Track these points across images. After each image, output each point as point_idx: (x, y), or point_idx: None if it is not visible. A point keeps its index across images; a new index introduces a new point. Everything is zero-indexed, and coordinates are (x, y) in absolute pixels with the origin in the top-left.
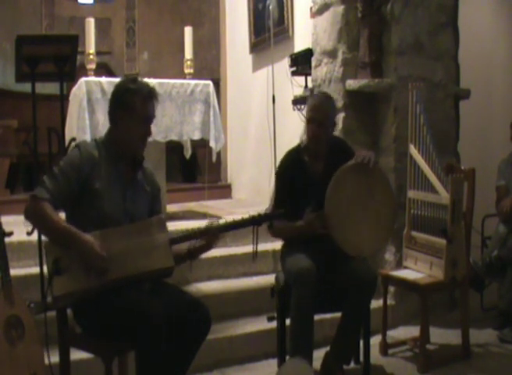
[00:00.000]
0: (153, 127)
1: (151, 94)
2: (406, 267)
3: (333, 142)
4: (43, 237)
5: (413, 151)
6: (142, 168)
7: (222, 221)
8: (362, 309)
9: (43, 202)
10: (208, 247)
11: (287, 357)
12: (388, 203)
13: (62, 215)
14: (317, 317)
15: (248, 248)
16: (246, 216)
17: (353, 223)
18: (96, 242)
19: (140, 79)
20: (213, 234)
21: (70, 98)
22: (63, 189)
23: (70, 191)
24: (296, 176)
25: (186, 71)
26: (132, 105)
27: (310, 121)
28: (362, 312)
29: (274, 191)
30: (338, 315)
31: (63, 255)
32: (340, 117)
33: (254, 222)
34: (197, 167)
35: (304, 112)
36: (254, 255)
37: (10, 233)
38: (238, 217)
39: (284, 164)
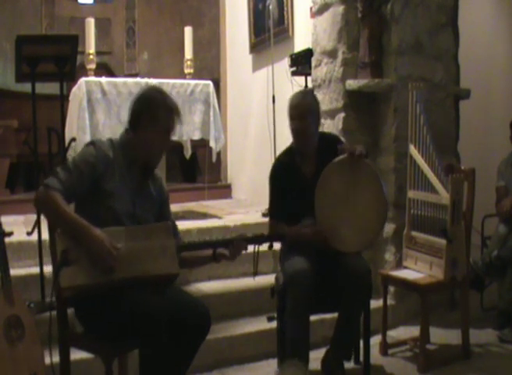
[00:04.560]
0: None
1: (177, 111)
2: (406, 267)
3: (323, 139)
4: (43, 237)
5: (413, 151)
6: (152, 175)
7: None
8: (357, 306)
9: (54, 192)
10: (232, 257)
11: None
12: (377, 198)
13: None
14: (317, 317)
15: (248, 248)
16: (249, 234)
17: (342, 219)
18: (107, 239)
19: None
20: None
21: (70, 98)
22: (75, 183)
23: (82, 186)
24: (289, 179)
25: (186, 71)
26: (157, 117)
27: (291, 118)
28: (357, 309)
29: (270, 197)
30: None
31: (74, 247)
32: (340, 117)
33: (254, 241)
34: (197, 167)
35: None
36: (254, 273)
37: (10, 233)
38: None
39: (276, 169)
